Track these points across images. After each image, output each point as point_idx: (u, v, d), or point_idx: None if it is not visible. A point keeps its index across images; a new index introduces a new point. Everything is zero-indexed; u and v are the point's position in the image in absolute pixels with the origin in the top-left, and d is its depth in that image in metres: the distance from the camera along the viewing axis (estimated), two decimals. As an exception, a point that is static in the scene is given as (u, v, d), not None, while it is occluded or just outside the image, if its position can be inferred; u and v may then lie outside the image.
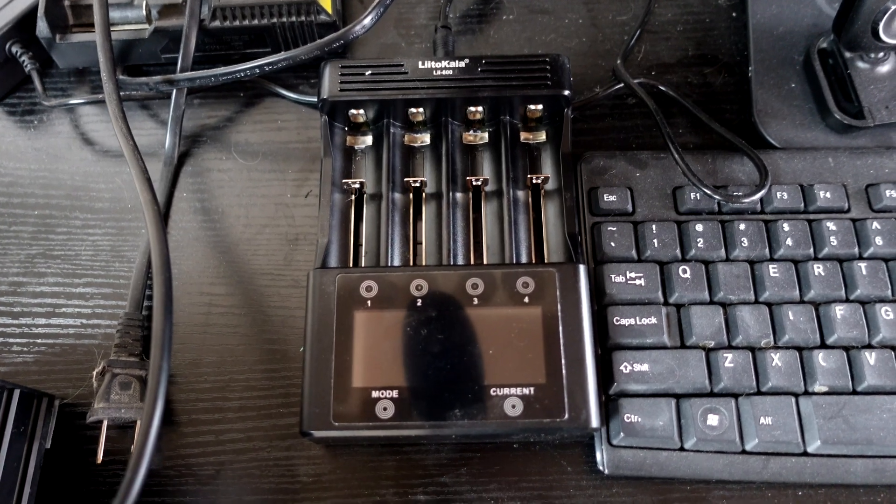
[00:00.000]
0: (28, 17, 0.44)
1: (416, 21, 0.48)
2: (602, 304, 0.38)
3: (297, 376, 0.39)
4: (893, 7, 0.38)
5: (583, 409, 0.33)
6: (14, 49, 0.45)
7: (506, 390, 0.34)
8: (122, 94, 0.40)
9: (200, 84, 0.42)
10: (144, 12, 0.44)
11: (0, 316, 0.41)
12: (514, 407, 0.33)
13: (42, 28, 0.44)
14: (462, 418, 0.33)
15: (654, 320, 0.37)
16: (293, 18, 0.44)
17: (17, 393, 0.35)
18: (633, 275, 0.38)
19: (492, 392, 0.34)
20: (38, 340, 0.41)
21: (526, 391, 0.34)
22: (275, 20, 0.44)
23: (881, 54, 0.42)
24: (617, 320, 0.37)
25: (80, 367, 0.40)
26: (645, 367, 0.36)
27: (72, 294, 0.42)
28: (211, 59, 0.46)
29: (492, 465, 0.37)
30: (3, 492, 0.34)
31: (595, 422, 0.33)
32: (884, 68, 0.42)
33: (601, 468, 0.36)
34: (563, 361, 0.34)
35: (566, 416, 0.33)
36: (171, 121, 0.44)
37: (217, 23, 0.44)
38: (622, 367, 0.36)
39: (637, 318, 0.37)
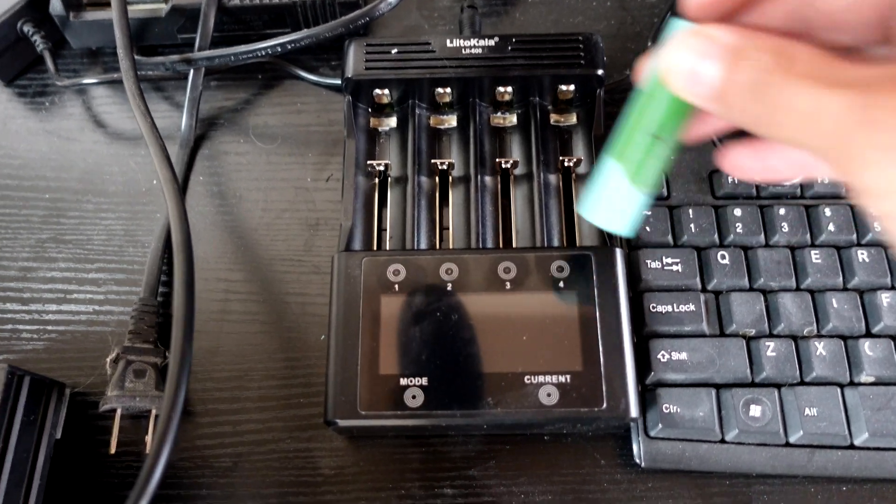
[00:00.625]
0: (41, -5, 0.43)
1: (439, 2, 0.47)
2: (637, 290, 0.36)
3: (317, 365, 0.38)
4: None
5: (621, 397, 0.32)
6: (26, 28, 0.43)
7: (541, 378, 0.32)
8: (138, 73, 0.39)
9: (219, 63, 0.41)
10: (161, -10, 0.43)
11: (10, 302, 0.40)
12: (549, 395, 0.32)
13: (56, 6, 0.42)
14: (495, 407, 0.32)
15: (692, 307, 0.36)
16: (315, -3, 0.43)
17: (27, 380, 0.34)
18: (669, 260, 0.37)
19: (526, 380, 0.32)
20: (49, 327, 0.39)
21: (562, 379, 0.32)
22: (296, -2, 0.43)
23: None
24: (653, 307, 0.36)
25: (91, 355, 0.38)
26: (683, 356, 0.35)
27: (84, 280, 0.40)
28: (229, 39, 0.45)
29: (522, 458, 0.36)
30: (12, 483, 0.32)
31: (634, 411, 0.32)
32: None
33: (637, 461, 0.34)
34: (600, 348, 0.33)
35: (604, 405, 0.32)
36: (187, 102, 0.43)
37: (236, 1, 0.42)
38: (659, 356, 0.35)
39: (674, 304, 0.36)
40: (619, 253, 0.34)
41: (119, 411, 0.35)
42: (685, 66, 0.22)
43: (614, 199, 0.28)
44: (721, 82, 0.21)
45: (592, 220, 0.29)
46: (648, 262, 0.37)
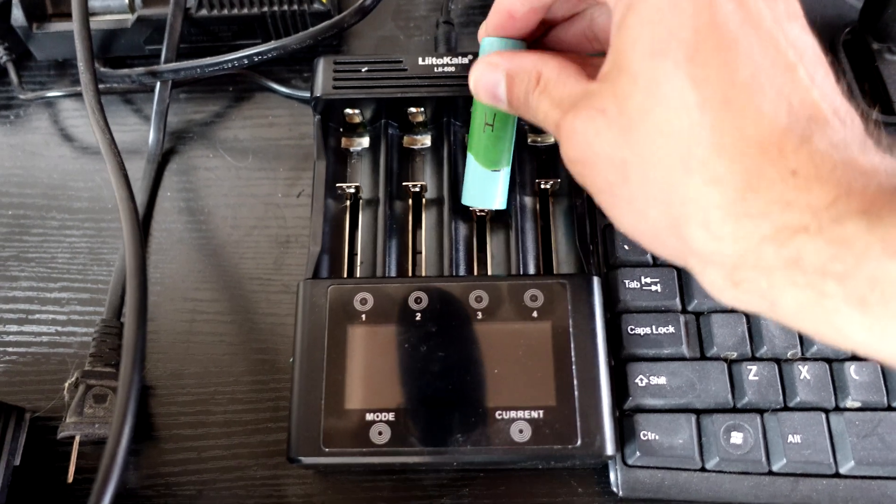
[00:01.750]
0: (3, 6, 0.42)
1: (415, 13, 0.46)
2: (615, 311, 0.35)
3: (286, 389, 0.36)
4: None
5: (597, 434, 0.31)
6: (-13, 39, 0.42)
7: (512, 413, 0.31)
8: (102, 86, 0.38)
9: (185, 76, 0.40)
10: (127, 1, 0.41)
11: (-31, 323, 0.38)
12: (521, 432, 0.31)
13: (17, 16, 0.41)
14: (464, 444, 0.31)
15: (671, 329, 0.34)
16: (285, 7, 0.41)
17: (-18, 406, 0.33)
18: (648, 280, 0.35)
19: (497, 415, 0.31)
20: (9, 349, 0.38)
21: (534, 415, 0.31)
22: (265, 9, 0.41)
23: (912, 47, 0.39)
24: (631, 329, 0.34)
25: (53, 378, 0.37)
26: (662, 380, 0.33)
27: (46, 299, 0.39)
28: (198, 51, 0.43)
29: (496, 487, 0.34)
30: (-33, 514, 0.31)
31: (610, 449, 0.31)
32: (915, 62, 0.40)
33: (615, 490, 0.33)
34: (574, 382, 0.31)
35: (578, 442, 0.30)
36: (154, 115, 0.41)
37: (203, 11, 0.41)
38: (638, 380, 0.34)
39: (653, 326, 0.34)
40: (595, 281, 0.33)
41: (78, 438, 0.34)
42: (484, 87, 0.30)
43: (480, 183, 0.34)
44: (507, 97, 0.30)
45: (472, 205, 0.35)
46: (626, 282, 0.35)
